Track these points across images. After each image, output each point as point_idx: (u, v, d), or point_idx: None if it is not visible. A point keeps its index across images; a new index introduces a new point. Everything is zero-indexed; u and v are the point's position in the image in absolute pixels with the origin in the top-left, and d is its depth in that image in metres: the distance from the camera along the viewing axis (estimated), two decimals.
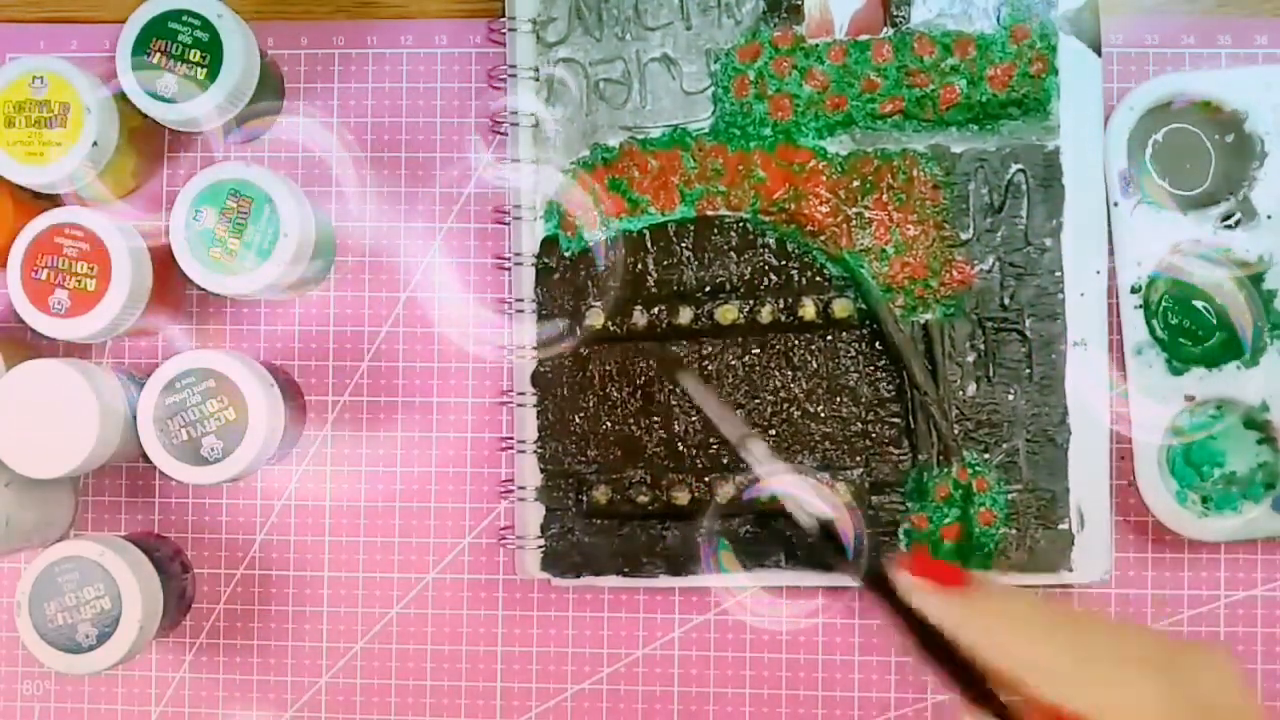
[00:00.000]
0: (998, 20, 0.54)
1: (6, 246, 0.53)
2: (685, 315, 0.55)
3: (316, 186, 0.58)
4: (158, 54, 0.53)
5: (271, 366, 0.55)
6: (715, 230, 0.55)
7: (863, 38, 0.55)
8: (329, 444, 0.58)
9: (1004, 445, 0.54)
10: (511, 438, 0.56)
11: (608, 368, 0.56)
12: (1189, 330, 0.55)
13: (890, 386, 0.55)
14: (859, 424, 0.55)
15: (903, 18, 0.55)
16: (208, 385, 0.51)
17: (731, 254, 0.55)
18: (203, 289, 0.53)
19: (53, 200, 0.55)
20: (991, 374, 0.55)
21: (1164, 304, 0.55)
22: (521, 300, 0.56)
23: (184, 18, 0.53)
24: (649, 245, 0.56)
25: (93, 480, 0.58)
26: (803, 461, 0.55)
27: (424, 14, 0.58)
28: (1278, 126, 0.54)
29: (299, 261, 0.53)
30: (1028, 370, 0.55)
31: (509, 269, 0.57)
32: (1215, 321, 0.55)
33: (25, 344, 0.57)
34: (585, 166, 0.56)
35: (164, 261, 0.53)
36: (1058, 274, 0.54)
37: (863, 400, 0.55)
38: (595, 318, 0.55)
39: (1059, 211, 0.54)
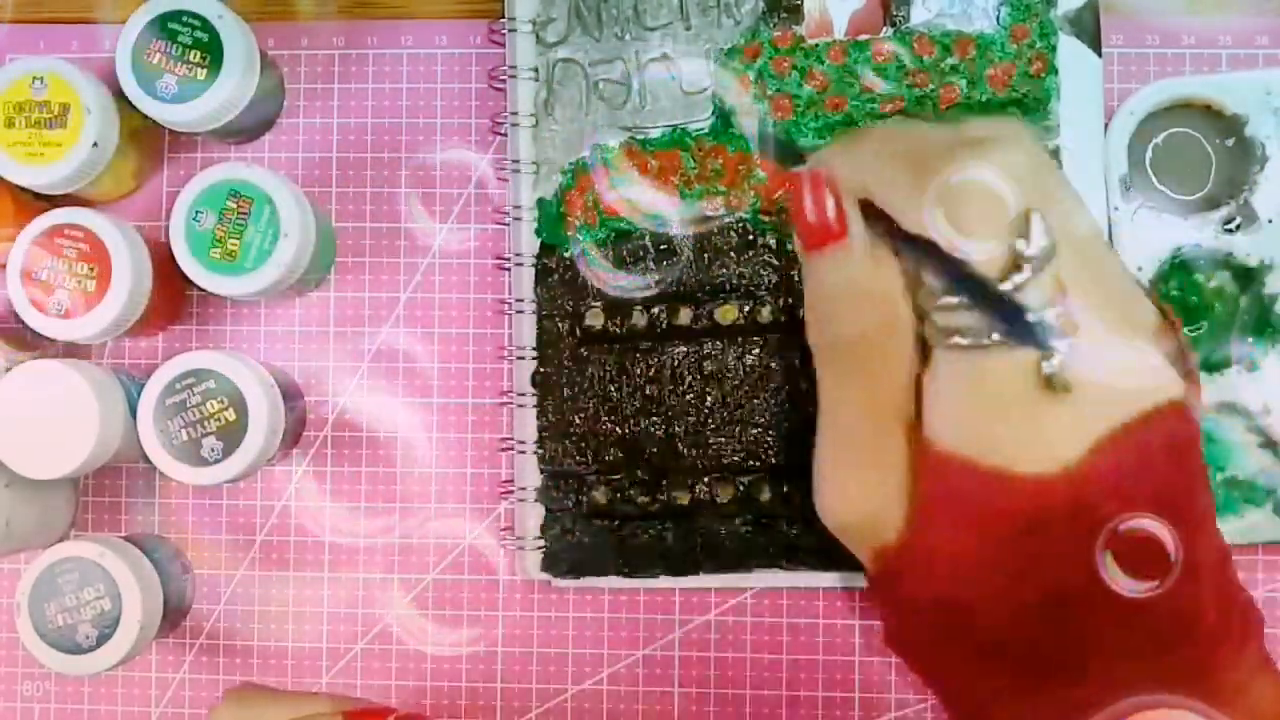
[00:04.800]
0: (997, 20, 0.54)
1: (6, 247, 0.53)
2: (685, 315, 0.55)
3: (316, 186, 0.58)
4: (158, 54, 0.53)
5: (271, 366, 0.55)
6: (715, 231, 0.55)
7: (862, 38, 0.55)
8: (329, 444, 0.58)
9: None
10: (511, 438, 0.56)
11: (607, 368, 0.56)
12: (1189, 336, 0.55)
13: None
14: None
15: (902, 17, 0.55)
16: (208, 386, 0.51)
17: (731, 254, 0.55)
18: (203, 289, 0.53)
19: (53, 201, 0.55)
20: None
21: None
22: (521, 300, 0.56)
23: (184, 18, 0.53)
24: (649, 246, 0.56)
25: (93, 480, 0.58)
26: (803, 458, 0.55)
27: (424, 14, 0.58)
28: (1279, 130, 0.54)
29: (299, 262, 0.53)
30: None
31: (509, 269, 0.57)
32: (1214, 327, 0.55)
33: (25, 344, 0.57)
34: (585, 167, 0.56)
35: (164, 261, 0.53)
36: None
37: None
38: (595, 318, 0.56)
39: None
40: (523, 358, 0.56)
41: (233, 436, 0.51)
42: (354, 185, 0.58)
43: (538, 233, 0.56)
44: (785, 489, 0.55)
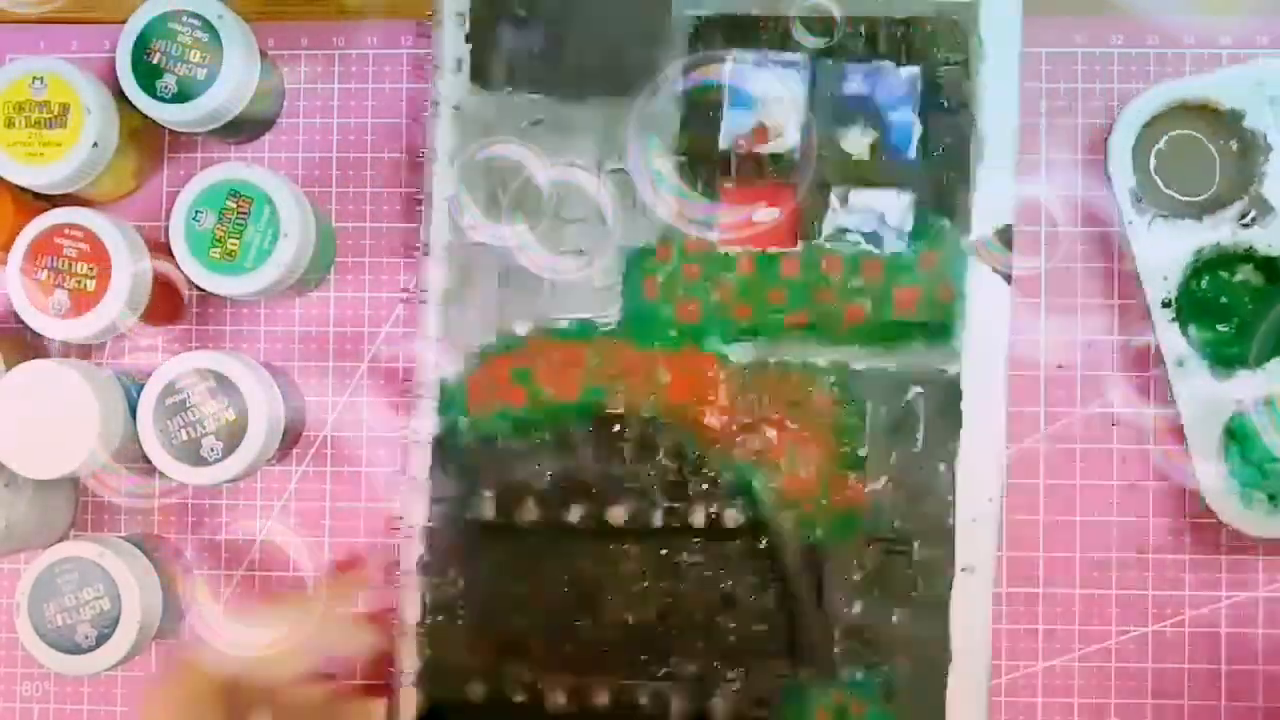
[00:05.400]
0: (909, 243, 0.54)
1: (6, 247, 0.53)
2: (576, 513, 0.54)
3: (316, 187, 0.58)
4: (158, 54, 0.53)
5: (271, 366, 0.55)
6: (613, 428, 0.55)
7: (772, 250, 0.54)
8: (329, 445, 0.58)
9: (884, 667, 0.54)
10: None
11: (496, 559, 0.55)
12: (1224, 334, 0.55)
13: (776, 600, 0.54)
14: (742, 636, 0.54)
15: (814, 233, 0.54)
16: (208, 385, 0.51)
17: (629, 454, 0.55)
18: (203, 289, 0.53)
19: (53, 200, 0.55)
20: (877, 594, 0.54)
21: (1194, 312, 0.55)
22: (414, 479, 0.55)
23: (184, 18, 0.53)
24: (547, 438, 0.55)
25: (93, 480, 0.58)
26: (682, 669, 0.54)
27: (424, 15, 0.58)
28: (1277, 120, 0.54)
29: (299, 262, 0.53)
30: (913, 593, 0.54)
31: (408, 442, 0.55)
32: (1248, 321, 0.55)
33: (25, 344, 0.57)
34: (491, 352, 0.55)
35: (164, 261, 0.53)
36: (950, 499, 0.54)
37: (747, 612, 0.54)
38: (486, 509, 0.55)
39: (955, 437, 0.54)
40: (409, 538, 0.55)
41: (233, 436, 0.51)
42: (354, 185, 0.58)
43: (440, 411, 0.55)
44: (667, 698, 0.54)
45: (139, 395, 0.52)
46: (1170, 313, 0.54)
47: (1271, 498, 0.54)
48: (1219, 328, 0.55)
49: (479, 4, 0.55)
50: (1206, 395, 0.54)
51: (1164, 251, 0.54)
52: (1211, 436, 0.54)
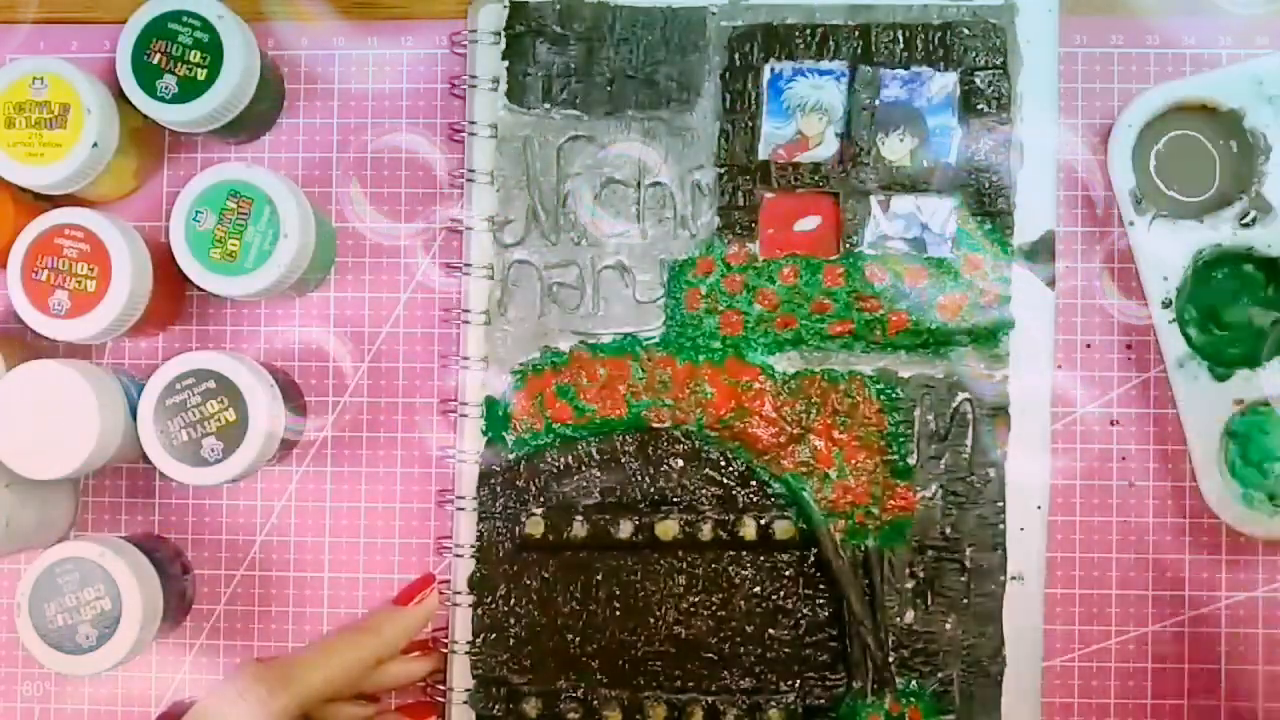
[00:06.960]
0: (952, 248, 0.54)
1: (7, 247, 0.53)
2: (625, 529, 0.55)
3: (316, 187, 0.58)
4: (158, 54, 0.53)
5: (271, 367, 0.55)
6: (660, 443, 0.55)
7: (815, 259, 0.54)
8: (329, 444, 0.58)
9: (939, 674, 0.54)
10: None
11: (546, 576, 0.55)
12: (1224, 335, 0.55)
13: (827, 611, 0.54)
14: (794, 647, 0.54)
15: (857, 240, 0.54)
16: (208, 386, 0.51)
17: (675, 468, 0.55)
18: (203, 289, 0.53)
19: (53, 201, 0.55)
20: (929, 602, 0.54)
21: (1194, 313, 0.55)
22: (463, 498, 0.55)
23: (184, 18, 0.53)
24: (594, 454, 0.55)
25: (93, 481, 0.58)
26: (735, 682, 0.54)
27: (424, 15, 0.58)
28: (1277, 119, 0.54)
29: (299, 262, 0.53)
30: (965, 600, 0.54)
31: (453, 463, 0.56)
32: (1248, 321, 0.55)
33: (25, 344, 0.57)
34: (534, 369, 0.55)
35: (164, 262, 0.53)
36: (1000, 505, 0.54)
37: (799, 623, 0.54)
38: (535, 526, 0.55)
39: (1004, 442, 0.54)
40: (460, 555, 0.55)
41: (233, 436, 0.51)
42: (354, 185, 0.58)
43: (484, 431, 0.55)
44: (720, 711, 0.54)
45: (139, 395, 0.52)
46: (1170, 313, 0.54)
47: (1272, 498, 0.54)
48: (1219, 328, 0.55)
49: (513, 22, 0.55)
50: (1206, 395, 0.54)
51: (1164, 252, 0.54)
52: (1211, 436, 0.54)
